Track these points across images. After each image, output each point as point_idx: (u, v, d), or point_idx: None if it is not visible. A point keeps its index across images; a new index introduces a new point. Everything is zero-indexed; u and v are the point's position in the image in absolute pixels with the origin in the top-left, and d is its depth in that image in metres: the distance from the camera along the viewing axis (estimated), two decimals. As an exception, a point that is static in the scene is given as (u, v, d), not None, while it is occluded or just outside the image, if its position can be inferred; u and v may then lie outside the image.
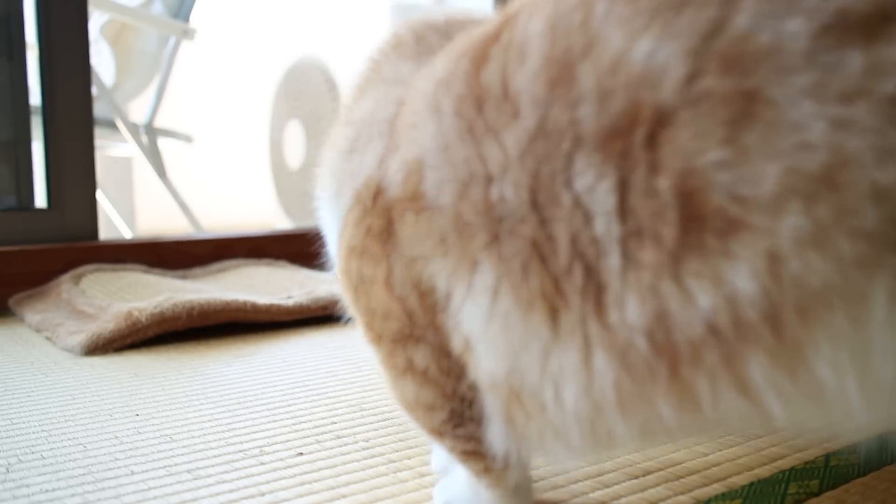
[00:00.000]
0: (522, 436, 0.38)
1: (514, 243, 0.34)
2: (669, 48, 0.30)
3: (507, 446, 0.40)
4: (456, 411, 0.41)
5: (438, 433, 0.42)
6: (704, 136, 0.30)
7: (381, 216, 0.40)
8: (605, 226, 0.32)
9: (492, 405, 0.39)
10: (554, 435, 0.36)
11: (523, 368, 0.35)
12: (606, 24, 0.32)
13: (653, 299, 0.31)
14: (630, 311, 0.31)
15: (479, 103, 0.35)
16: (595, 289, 0.32)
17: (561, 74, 0.33)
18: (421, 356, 0.40)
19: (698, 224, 0.30)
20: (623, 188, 0.31)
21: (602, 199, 0.31)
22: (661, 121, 0.30)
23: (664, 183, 0.30)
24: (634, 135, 0.31)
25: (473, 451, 0.42)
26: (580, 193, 0.32)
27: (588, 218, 0.32)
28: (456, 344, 0.38)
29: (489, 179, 0.35)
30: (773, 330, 0.29)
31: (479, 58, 0.36)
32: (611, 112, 0.31)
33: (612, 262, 0.32)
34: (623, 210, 0.31)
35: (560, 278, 0.33)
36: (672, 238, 0.30)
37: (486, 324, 0.36)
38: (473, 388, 0.39)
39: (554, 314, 0.33)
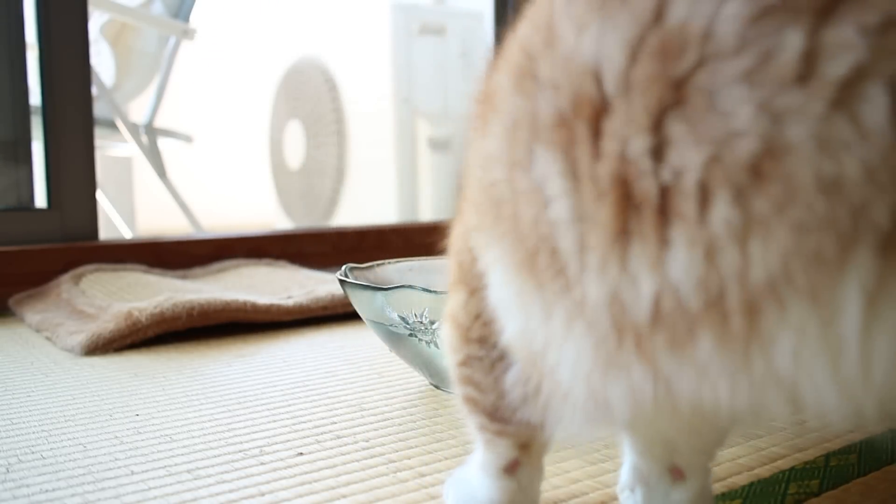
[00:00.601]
0: (535, 392, 0.39)
1: (505, 224, 0.37)
2: (611, 39, 0.31)
3: (522, 397, 0.42)
4: (471, 355, 0.44)
5: (454, 376, 0.46)
6: (633, 124, 0.31)
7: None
8: (560, 210, 0.33)
9: (515, 359, 0.42)
10: (562, 397, 0.37)
11: (532, 332, 0.37)
12: (562, 19, 0.34)
13: (605, 280, 0.32)
14: (589, 289, 0.33)
15: (483, 104, 0.39)
16: (561, 267, 0.34)
17: (526, 71, 0.35)
18: (458, 302, 0.45)
19: (636, 210, 0.31)
20: (572, 174, 0.33)
21: (555, 184, 0.33)
22: (602, 110, 0.32)
23: (604, 169, 0.32)
24: (578, 124, 0.32)
25: (473, 399, 0.44)
26: (538, 179, 0.34)
27: (546, 202, 0.34)
28: (488, 304, 0.41)
29: (487, 168, 0.38)
30: (719, 318, 0.30)
31: (491, 66, 0.40)
32: (559, 103, 0.33)
33: (567, 244, 0.33)
34: (573, 195, 0.33)
35: (533, 257, 0.35)
36: (613, 223, 0.32)
37: (502, 291, 0.38)
38: (491, 338, 0.43)
39: (539, 289, 0.36)
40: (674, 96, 0.30)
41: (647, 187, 0.30)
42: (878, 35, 0.27)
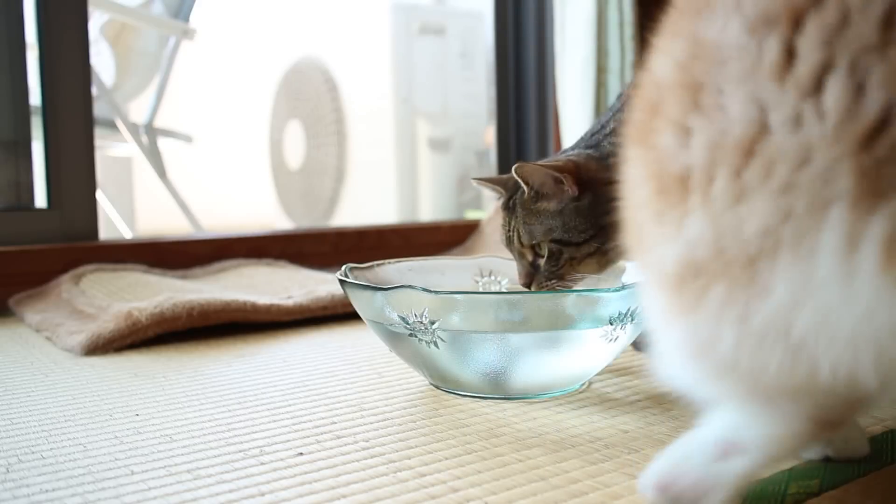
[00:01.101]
0: None
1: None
2: (669, 57, 0.41)
3: None
4: None
5: None
6: (668, 120, 0.40)
7: None
8: (638, 196, 0.43)
9: None
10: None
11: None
12: (660, 44, 0.43)
13: (655, 241, 0.41)
14: (651, 255, 0.42)
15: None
16: (641, 239, 0.43)
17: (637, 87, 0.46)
18: None
19: (672, 186, 0.39)
20: (644, 166, 0.42)
21: (635, 172, 0.43)
22: (658, 109, 0.41)
23: (651, 155, 0.41)
24: (649, 122, 0.42)
25: None
26: (630, 175, 0.44)
27: (633, 189, 0.44)
28: None
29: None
30: (724, 268, 0.37)
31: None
32: (642, 108, 0.43)
33: (641, 220, 0.42)
34: (644, 183, 0.42)
35: (630, 235, 0.46)
36: (656, 195, 0.40)
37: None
38: None
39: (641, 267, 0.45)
40: (693, 97, 0.39)
41: (675, 168, 0.39)
42: (838, 31, 0.34)
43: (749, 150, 0.36)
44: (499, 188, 0.81)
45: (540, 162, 0.76)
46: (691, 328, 0.39)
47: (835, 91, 0.34)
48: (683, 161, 0.38)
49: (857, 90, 0.34)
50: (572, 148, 0.82)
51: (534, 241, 0.76)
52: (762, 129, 0.35)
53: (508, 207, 0.79)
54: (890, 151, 0.33)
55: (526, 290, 0.78)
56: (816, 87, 0.34)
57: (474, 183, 0.85)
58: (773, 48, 0.36)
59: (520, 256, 0.78)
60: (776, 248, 0.35)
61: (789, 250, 0.35)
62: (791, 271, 0.35)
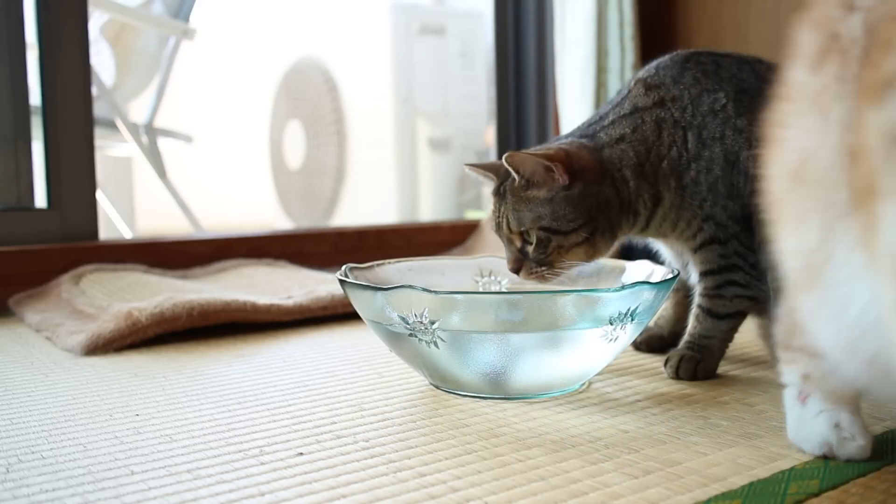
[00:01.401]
0: None
1: None
2: (778, 101, 0.50)
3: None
4: None
5: None
6: (772, 152, 0.49)
7: None
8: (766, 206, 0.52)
9: None
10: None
11: None
12: (780, 89, 0.52)
13: (778, 251, 0.50)
14: (781, 258, 0.50)
15: None
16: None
17: None
18: None
19: (774, 206, 0.49)
20: (768, 189, 0.52)
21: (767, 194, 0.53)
22: (771, 142, 0.50)
23: (769, 184, 0.50)
24: (768, 153, 0.51)
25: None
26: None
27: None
28: None
29: None
30: (809, 278, 0.46)
31: None
32: (768, 142, 0.51)
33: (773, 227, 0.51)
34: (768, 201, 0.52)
35: None
36: (775, 216, 0.49)
37: None
38: None
39: None
40: (771, 132, 0.49)
41: (765, 199, 0.50)
42: (843, 65, 0.43)
43: (801, 175, 0.45)
44: (490, 174, 0.81)
45: (531, 150, 0.76)
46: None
47: (840, 110, 0.42)
48: (776, 188, 0.48)
49: (853, 110, 0.41)
50: (567, 136, 0.82)
51: (522, 228, 0.76)
52: (808, 154, 0.44)
53: (499, 193, 0.79)
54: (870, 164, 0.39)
55: (515, 274, 0.78)
56: (830, 109, 0.42)
57: (467, 169, 0.85)
58: (817, 83, 0.44)
59: (508, 242, 0.79)
60: (827, 258, 0.43)
61: (834, 259, 0.43)
62: (839, 275, 0.43)
